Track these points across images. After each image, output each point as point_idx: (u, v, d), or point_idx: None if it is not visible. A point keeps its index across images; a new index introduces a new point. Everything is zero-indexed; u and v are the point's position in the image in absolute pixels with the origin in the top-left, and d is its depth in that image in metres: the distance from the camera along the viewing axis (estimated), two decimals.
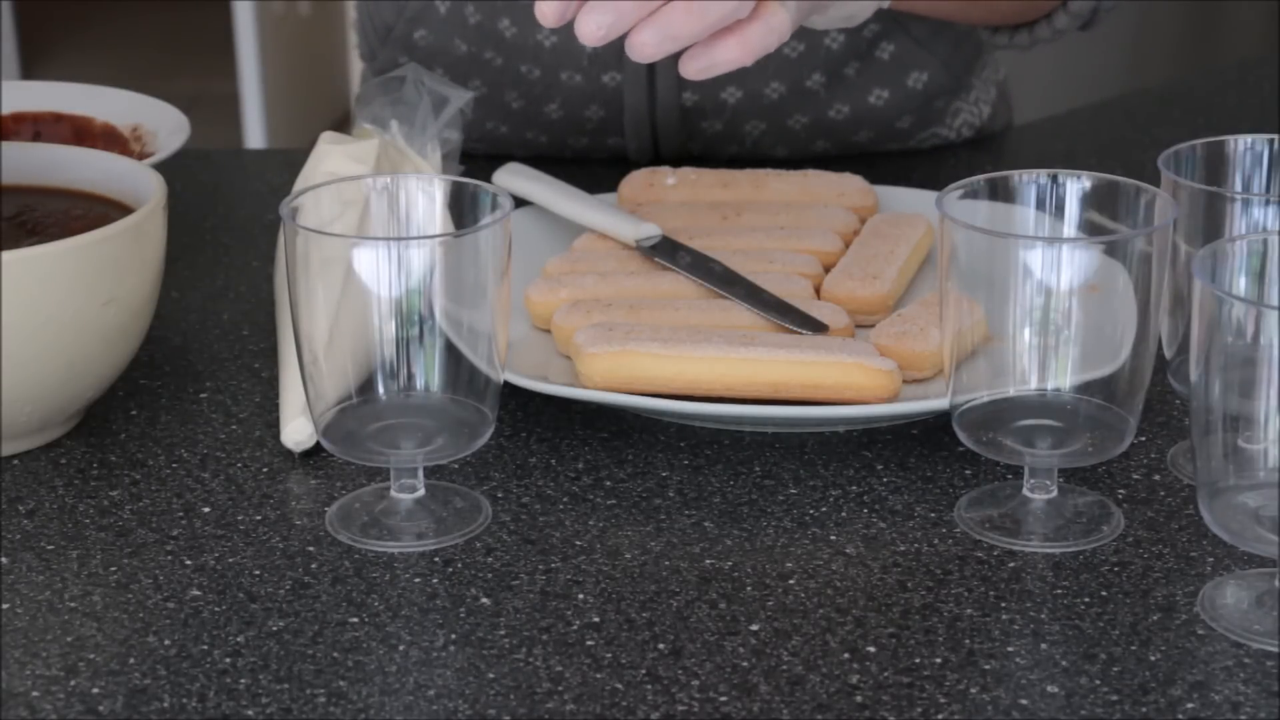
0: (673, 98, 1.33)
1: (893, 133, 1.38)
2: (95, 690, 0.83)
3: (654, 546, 0.93)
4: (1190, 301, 0.84)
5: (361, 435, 0.93)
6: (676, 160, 1.37)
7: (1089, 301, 0.89)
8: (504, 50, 1.33)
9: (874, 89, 1.35)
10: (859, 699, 0.82)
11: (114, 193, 1.06)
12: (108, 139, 1.28)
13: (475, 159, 1.28)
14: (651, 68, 1.32)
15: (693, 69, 0.97)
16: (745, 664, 0.84)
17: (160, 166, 1.17)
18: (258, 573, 0.91)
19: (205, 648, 0.85)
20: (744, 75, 1.32)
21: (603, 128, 1.35)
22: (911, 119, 1.37)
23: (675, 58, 1.31)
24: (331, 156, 1.09)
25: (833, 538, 0.93)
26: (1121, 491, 0.97)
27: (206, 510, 0.96)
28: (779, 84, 1.33)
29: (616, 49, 1.31)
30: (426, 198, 0.95)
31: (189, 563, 0.92)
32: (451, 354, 0.92)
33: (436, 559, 0.92)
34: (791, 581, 0.90)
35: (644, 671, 0.83)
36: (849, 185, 1.20)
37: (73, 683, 0.83)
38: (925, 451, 1.00)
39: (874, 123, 1.36)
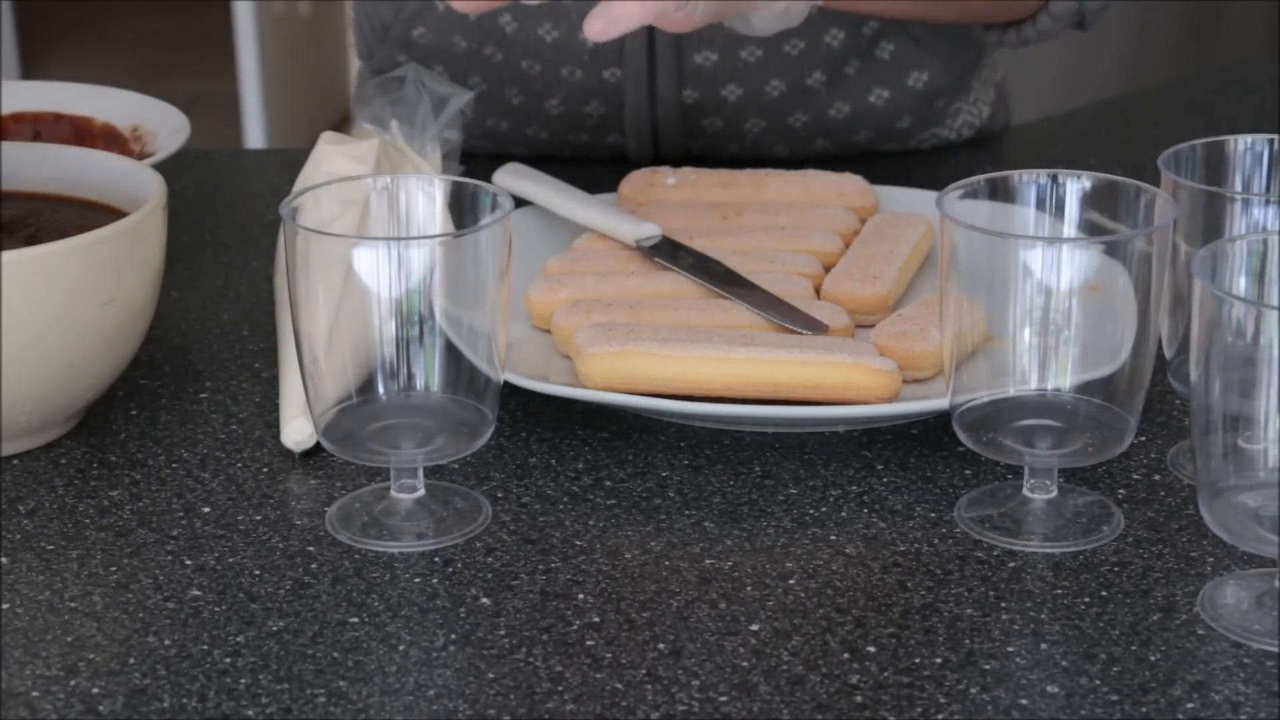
0: (673, 94, 1.33)
1: (893, 133, 1.38)
2: (95, 690, 0.83)
3: (654, 546, 0.93)
4: (1190, 301, 0.84)
5: (361, 435, 0.93)
6: (677, 159, 1.37)
7: (1089, 301, 0.89)
8: (504, 46, 1.33)
9: (874, 88, 1.35)
10: (859, 699, 0.82)
11: (114, 194, 1.06)
12: (108, 139, 1.28)
13: (475, 158, 1.28)
14: (652, 65, 1.32)
15: (595, 29, 0.98)
16: (745, 664, 0.84)
17: (160, 166, 1.17)
18: (258, 573, 0.91)
19: (205, 648, 0.85)
20: (745, 73, 1.32)
21: (603, 124, 1.35)
22: (912, 119, 1.37)
23: (676, 55, 1.32)
24: (331, 156, 1.09)
25: (833, 538, 0.93)
26: (1121, 491, 0.97)
27: (206, 510, 0.96)
28: (779, 82, 1.33)
29: (617, 45, 1.31)
30: (426, 198, 0.95)
31: (189, 563, 0.92)
32: (451, 354, 0.92)
33: (436, 559, 0.92)
34: (791, 581, 0.90)
35: (644, 671, 0.83)
36: (849, 185, 1.20)
37: (73, 683, 0.83)
38: (925, 451, 1.00)
39: (874, 122, 1.36)
